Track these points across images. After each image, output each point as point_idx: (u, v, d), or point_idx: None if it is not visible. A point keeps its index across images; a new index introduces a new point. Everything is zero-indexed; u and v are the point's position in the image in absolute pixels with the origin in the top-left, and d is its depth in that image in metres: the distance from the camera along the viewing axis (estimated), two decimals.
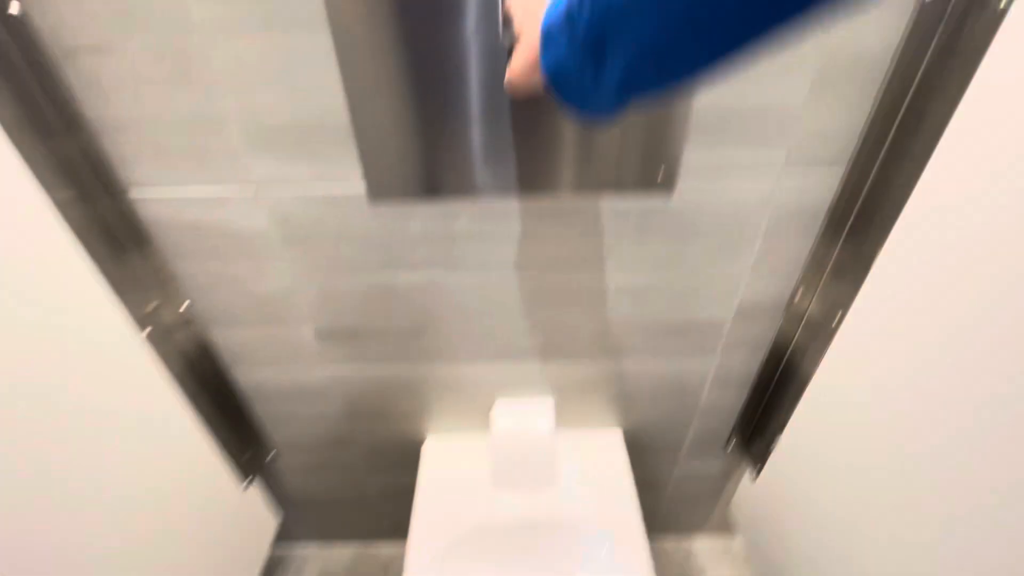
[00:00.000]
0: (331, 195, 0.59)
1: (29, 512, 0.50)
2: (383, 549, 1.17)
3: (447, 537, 0.75)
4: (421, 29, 0.47)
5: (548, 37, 0.34)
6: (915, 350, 0.52)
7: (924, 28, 0.47)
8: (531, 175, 0.56)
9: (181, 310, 0.68)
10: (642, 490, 0.82)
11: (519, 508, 0.78)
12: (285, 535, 1.10)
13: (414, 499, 0.80)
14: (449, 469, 0.85)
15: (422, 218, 0.60)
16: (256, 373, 0.78)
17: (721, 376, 0.80)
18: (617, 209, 0.60)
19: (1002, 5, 0.41)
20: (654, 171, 0.56)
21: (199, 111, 0.52)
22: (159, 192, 0.58)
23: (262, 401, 0.83)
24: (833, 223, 0.61)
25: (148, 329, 0.63)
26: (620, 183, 0.57)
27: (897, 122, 0.52)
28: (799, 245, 0.64)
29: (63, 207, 0.52)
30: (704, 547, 1.16)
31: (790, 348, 0.73)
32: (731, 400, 0.85)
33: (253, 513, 0.91)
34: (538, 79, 0.37)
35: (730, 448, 0.92)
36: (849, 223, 0.59)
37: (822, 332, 0.65)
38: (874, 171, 0.55)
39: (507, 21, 0.43)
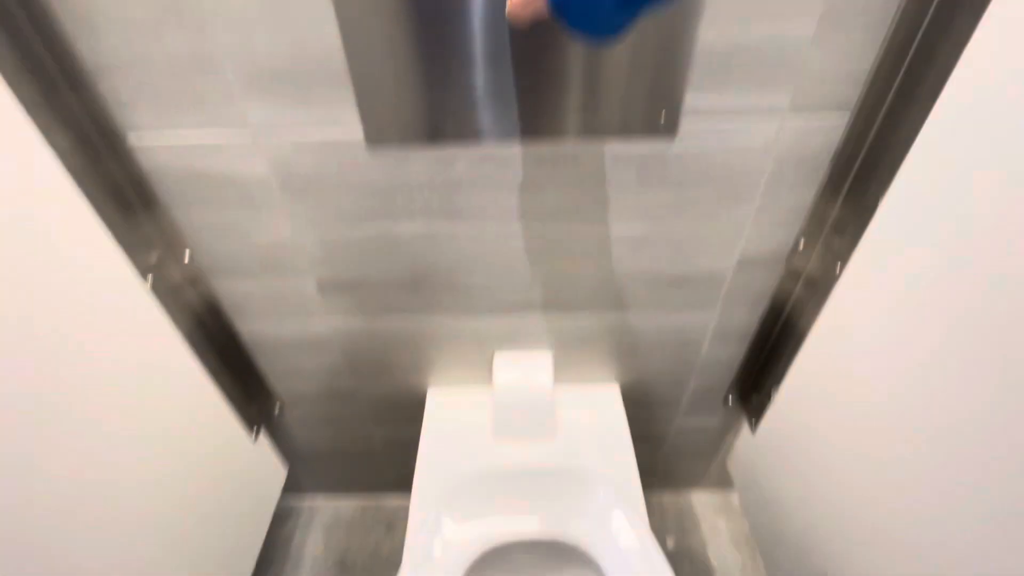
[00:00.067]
0: (329, 140, 0.58)
1: (45, 458, 0.51)
2: (389, 501, 1.21)
3: (450, 483, 0.77)
4: None
5: None
6: (912, 303, 0.52)
7: None
8: (533, 118, 0.56)
9: (184, 261, 0.69)
10: (640, 445, 0.83)
11: (520, 458, 0.80)
12: (293, 487, 1.13)
13: (418, 449, 0.82)
14: (451, 421, 0.87)
15: (422, 164, 0.60)
16: (259, 325, 0.79)
17: (721, 330, 0.80)
18: (619, 155, 0.59)
19: None
20: (656, 114, 0.55)
21: (192, 51, 0.52)
22: (156, 137, 0.58)
23: (266, 354, 0.84)
24: (836, 172, 0.60)
25: (151, 278, 0.64)
26: (623, 127, 0.56)
27: (906, 65, 0.50)
28: (802, 195, 0.64)
29: (64, 156, 0.52)
30: (702, 501, 1.19)
31: (790, 302, 0.73)
32: (730, 354, 0.85)
33: (262, 463, 0.93)
34: (540, 4, 0.36)
35: (728, 403, 0.94)
36: (853, 172, 0.58)
37: (822, 285, 0.65)
38: (880, 118, 0.54)
39: None
